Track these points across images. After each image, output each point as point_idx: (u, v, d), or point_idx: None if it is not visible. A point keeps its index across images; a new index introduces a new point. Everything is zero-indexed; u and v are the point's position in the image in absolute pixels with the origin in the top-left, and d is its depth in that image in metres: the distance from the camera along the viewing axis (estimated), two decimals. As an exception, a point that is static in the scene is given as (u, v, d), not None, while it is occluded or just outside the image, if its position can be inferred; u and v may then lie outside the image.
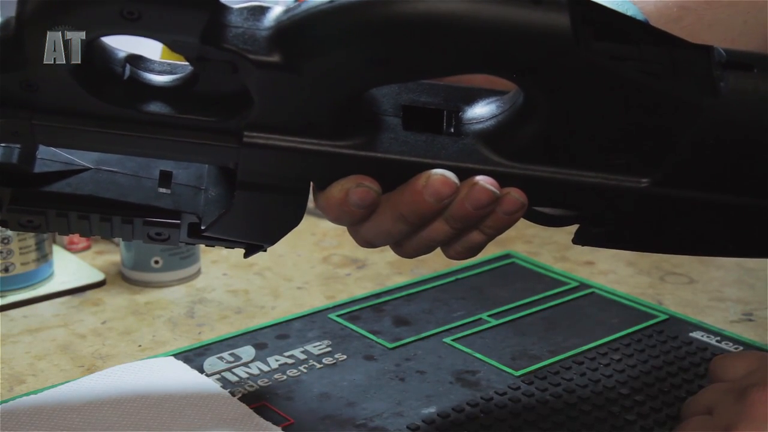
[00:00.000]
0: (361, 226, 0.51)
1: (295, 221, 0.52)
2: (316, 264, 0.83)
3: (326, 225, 0.91)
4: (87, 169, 0.53)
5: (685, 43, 0.50)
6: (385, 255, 0.84)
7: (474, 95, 0.52)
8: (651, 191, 0.50)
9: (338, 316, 0.71)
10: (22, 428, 0.54)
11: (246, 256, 0.55)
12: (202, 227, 0.52)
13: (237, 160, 0.50)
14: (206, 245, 0.55)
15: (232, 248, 0.54)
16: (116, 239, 0.82)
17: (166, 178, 0.53)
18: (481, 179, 0.48)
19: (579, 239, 0.53)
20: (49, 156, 0.52)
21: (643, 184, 0.50)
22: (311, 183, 0.51)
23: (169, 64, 0.51)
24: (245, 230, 0.52)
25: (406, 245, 0.51)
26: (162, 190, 0.53)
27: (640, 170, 0.50)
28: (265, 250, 0.54)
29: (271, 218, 0.52)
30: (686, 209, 0.51)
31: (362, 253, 0.84)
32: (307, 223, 0.90)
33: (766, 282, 0.80)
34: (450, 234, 0.50)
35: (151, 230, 0.52)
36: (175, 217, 0.52)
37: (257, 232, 0.53)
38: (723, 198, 0.51)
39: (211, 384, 0.60)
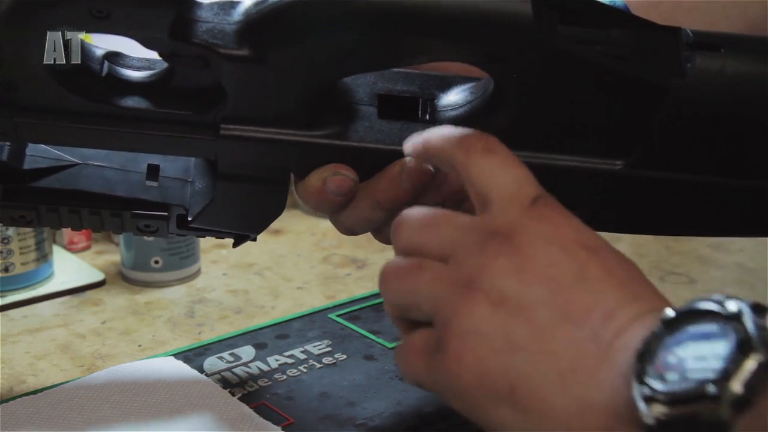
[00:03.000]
0: (341, 213, 0.51)
1: (278, 210, 0.53)
2: (316, 264, 0.83)
3: (326, 225, 0.91)
4: (76, 165, 0.53)
5: (652, 25, 0.50)
6: (385, 254, 0.84)
7: (449, 82, 0.53)
8: (626, 173, 0.50)
9: (338, 316, 0.71)
10: (22, 428, 0.54)
11: (235, 245, 0.55)
12: (189, 218, 0.53)
13: (216, 153, 0.50)
14: (196, 236, 0.56)
15: (222, 238, 0.55)
16: (116, 238, 0.82)
17: (153, 171, 0.54)
18: None
19: None
20: (39, 152, 0.53)
21: (617, 167, 0.50)
22: (291, 172, 0.51)
23: (146, 60, 0.52)
24: (230, 220, 0.53)
25: (386, 232, 0.52)
26: (150, 182, 0.53)
27: (613, 152, 0.50)
28: (254, 240, 0.55)
29: (254, 208, 0.52)
30: (664, 189, 0.51)
31: (362, 253, 0.84)
32: (307, 223, 0.90)
33: (766, 282, 0.80)
34: None
35: (140, 222, 0.53)
36: (163, 209, 0.53)
37: (242, 222, 0.53)
38: (699, 178, 0.51)
39: (211, 384, 0.60)
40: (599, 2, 0.51)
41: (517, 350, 0.41)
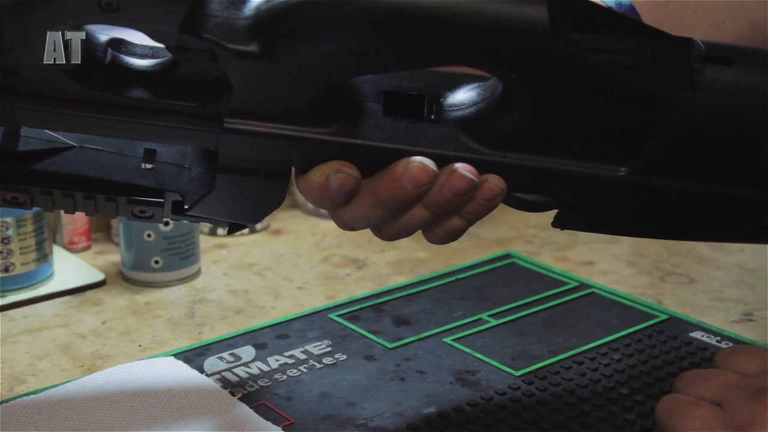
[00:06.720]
0: (342, 210, 0.51)
1: (277, 202, 0.52)
2: (316, 264, 0.83)
3: (326, 225, 0.91)
4: (71, 147, 0.53)
5: (664, 35, 0.50)
6: (385, 255, 0.84)
7: (456, 81, 0.52)
8: (629, 179, 0.50)
9: (338, 316, 0.71)
10: (22, 428, 0.54)
11: (230, 233, 0.55)
12: (186, 206, 0.53)
13: (218, 144, 0.50)
14: (191, 221, 0.55)
15: (217, 225, 0.55)
16: (116, 238, 0.82)
17: (150, 154, 0.53)
18: (460, 167, 0.49)
19: (558, 223, 0.54)
20: (34, 134, 0.53)
21: (621, 173, 0.50)
22: (293, 166, 0.51)
23: (150, 47, 0.51)
24: (228, 210, 0.53)
25: (386, 229, 0.52)
26: (146, 165, 0.53)
27: (618, 159, 0.50)
28: (250, 228, 0.55)
29: (253, 199, 0.52)
30: (666, 197, 0.51)
31: (362, 253, 0.84)
32: (307, 223, 0.90)
33: (766, 282, 0.80)
34: (429, 219, 0.50)
35: (135, 208, 0.53)
36: (159, 195, 0.53)
37: (240, 212, 0.53)
38: (703, 187, 0.51)
39: (211, 384, 0.60)
40: (613, 10, 0.51)
41: None
